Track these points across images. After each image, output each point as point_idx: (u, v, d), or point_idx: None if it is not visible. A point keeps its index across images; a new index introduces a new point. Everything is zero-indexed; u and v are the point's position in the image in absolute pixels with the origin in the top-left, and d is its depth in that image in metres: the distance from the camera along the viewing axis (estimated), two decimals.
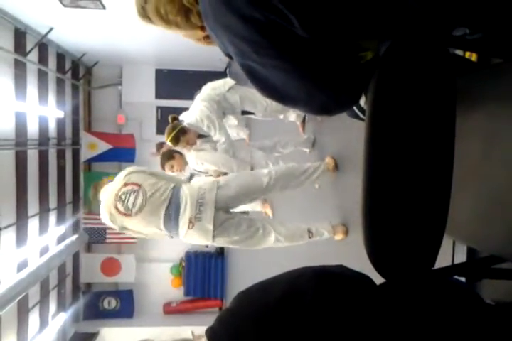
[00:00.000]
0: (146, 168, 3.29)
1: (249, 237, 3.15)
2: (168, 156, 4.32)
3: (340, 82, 1.07)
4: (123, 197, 2.93)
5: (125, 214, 2.92)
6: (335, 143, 3.97)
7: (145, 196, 2.92)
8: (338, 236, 3.61)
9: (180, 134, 4.12)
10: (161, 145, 5.13)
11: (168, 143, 4.24)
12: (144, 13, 1.28)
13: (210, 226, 2.96)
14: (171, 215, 2.95)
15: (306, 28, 0.95)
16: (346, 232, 3.61)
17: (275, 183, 3.32)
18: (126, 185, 3.00)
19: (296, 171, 3.46)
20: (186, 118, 4.31)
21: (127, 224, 2.99)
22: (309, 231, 3.45)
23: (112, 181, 3.14)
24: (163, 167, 4.29)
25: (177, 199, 2.97)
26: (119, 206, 2.93)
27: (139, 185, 2.97)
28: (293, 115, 4.65)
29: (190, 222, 2.93)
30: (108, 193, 3.03)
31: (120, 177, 3.09)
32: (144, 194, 2.93)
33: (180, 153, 4.41)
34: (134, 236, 3.22)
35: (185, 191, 3.02)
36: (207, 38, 1.29)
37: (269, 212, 5.47)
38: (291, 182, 3.43)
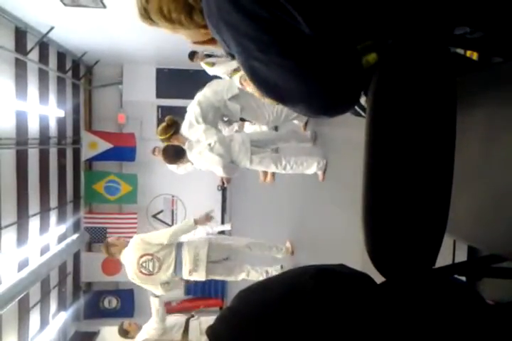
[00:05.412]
0: (147, 235, 4.56)
1: (233, 277, 4.87)
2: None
3: (342, 83, 1.06)
4: (144, 264, 4.37)
5: (149, 275, 4.40)
6: (335, 139, 4.00)
7: (159, 261, 4.39)
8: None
9: (167, 141, 4.39)
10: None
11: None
12: (145, 15, 1.27)
13: (204, 273, 4.58)
14: (177, 268, 4.50)
15: (310, 24, 0.95)
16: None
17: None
18: (141, 256, 4.36)
19: (265, 247, 5.06)
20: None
21: (149, 280, 4.41)
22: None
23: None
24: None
25: (180, 259, 4.51)
26: (143, 270, 4.38)
27: (152, 254, 4.39)
28: (295, 120, 4.67)
29: (189, 272, 4.52)
30: (130, 262, 4.37)
31: (133, 249, 4.39)
32: (157, 260, 4.39)
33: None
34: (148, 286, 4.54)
35: (185, 252, 4.52)
36: (209, 41, 1.29)
37: (269, 180, 5.95)
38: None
